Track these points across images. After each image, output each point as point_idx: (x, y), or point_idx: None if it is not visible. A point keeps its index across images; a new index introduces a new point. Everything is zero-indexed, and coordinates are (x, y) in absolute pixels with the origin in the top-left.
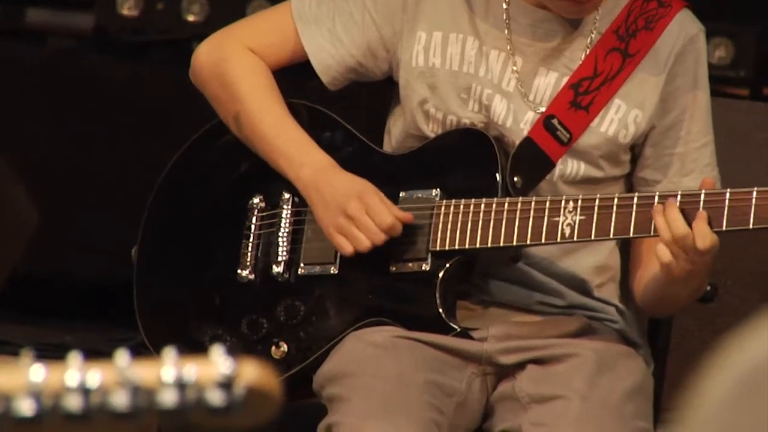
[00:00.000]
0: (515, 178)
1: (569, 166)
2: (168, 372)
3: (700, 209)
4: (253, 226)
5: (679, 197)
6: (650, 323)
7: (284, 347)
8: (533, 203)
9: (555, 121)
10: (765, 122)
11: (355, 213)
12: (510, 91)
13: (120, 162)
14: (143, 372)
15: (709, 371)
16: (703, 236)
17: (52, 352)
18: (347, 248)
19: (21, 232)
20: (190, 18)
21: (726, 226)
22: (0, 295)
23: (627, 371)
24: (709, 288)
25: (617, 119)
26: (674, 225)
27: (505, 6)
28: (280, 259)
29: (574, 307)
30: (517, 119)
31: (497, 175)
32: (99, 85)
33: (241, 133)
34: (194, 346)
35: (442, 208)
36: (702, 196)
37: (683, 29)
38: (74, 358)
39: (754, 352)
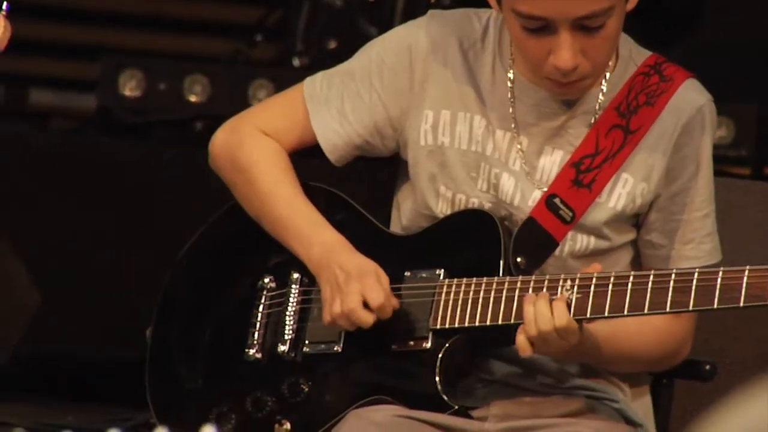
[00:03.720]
0: (518, 259)
1: (578, 242)
2: None
3: (670, 286)
4: (262, 306)
5: (673, 275)
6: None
7: (287, 425)
8: (532, 281)
9: (557, 200)
10: (765, 201)
11: (346, 287)
12: (516, 170)
13: (122, 242)
14: None
15: None
16: (560, 316)
17: None
18: (326, 313)
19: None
20: (192, 98)
21: (717, 305)
22: (2, 375)
23: None
24: (708, 367)
25: (625, 193)
26: (542, 318)
27: (509, 85)
28: (286, 337)
29: (574, 388)
30: (525, 197)
31: (500, 255)
32: (101, 165)
33: (256, 214)
34: (201, 424)
35: (444, 287)
36: (695, 275)
37: (689, 100)
38: None
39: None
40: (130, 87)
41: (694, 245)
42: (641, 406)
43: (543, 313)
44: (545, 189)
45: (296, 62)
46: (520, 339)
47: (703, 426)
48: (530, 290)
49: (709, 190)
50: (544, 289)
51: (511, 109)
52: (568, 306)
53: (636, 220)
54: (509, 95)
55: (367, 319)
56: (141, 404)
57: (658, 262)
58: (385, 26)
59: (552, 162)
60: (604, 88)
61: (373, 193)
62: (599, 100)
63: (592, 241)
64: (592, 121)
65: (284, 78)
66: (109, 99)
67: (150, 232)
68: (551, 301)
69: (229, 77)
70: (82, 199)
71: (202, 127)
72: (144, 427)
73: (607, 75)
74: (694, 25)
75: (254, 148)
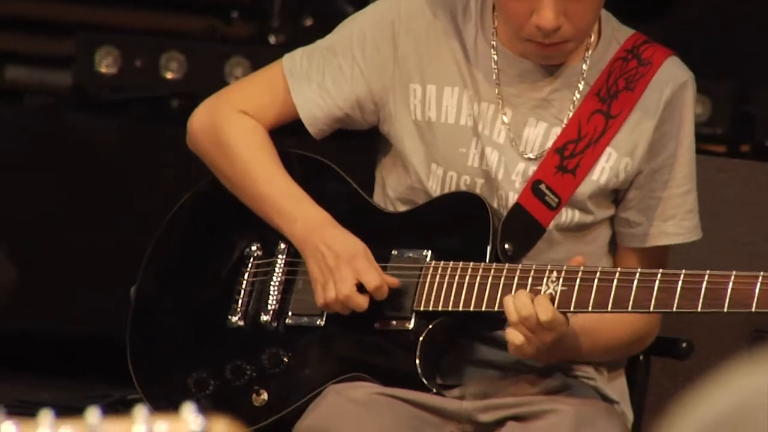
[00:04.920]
0: (506, 245)
1: (564, 216)
2: (139, 430)
3: (656, 288)
4: (247, 274)
5: (659, 276)
6: (628, 381)
7: (265, 395)
8: (518, 270)
9: (543, 186)
10: (741, 179)
11: (340, 272)
12: (501, 143)
13: (98, 219)
14: (114, 430)
15: (675, 420)
16: (545, 310)
17: (26, 410)
18: (319, 297)
19: None
20: (169, 75)
21: (701, 308)
22: None
23: (607, 427)
24: (684, 345)
25: (608, 167)
26: (520, 306)
27: (493, 56)
28: (269, 307)
29: (551, 366)
30: (508, 171)
31: (488, 240)
32: (77, 143)
33: (237, 192)
34: (179, 388)
35: (430, 269)
36: (681, 276)
37: (672, 76)
38: (46, 416)
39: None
40: (105, 64)
41: (676, 222)
42: (617, 388)
43: (523, 301)
44: (530, 156)
45: (272, 39)
46: (510, 337)
47: (681, 410)
48: (516, 279)
49: (691, 167)
50: (530, 279)
51: (495, 81)
52: (552, 299)
53: (615, 196)
54: (493, 66)
55: (363, 303)
56: (118, 381)
57: (633, 241)
58: (361, 4)
59: (536, 133)
60: (587, 63)
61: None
62: (583, 75)
63: (576, 215)
64: (576, 95)
65: (261, 55)
66: (84, 76)
67: (126, 209)
68: (533, 296)
69: (205, 54)
70: (58, 177)
71: (178, 104)
72: (122, 404)
73: (590, 51)
74: (670, 2)
75: (232, 127)
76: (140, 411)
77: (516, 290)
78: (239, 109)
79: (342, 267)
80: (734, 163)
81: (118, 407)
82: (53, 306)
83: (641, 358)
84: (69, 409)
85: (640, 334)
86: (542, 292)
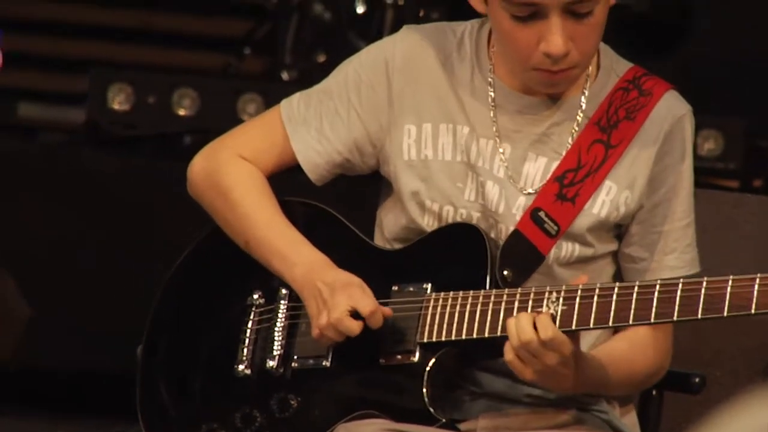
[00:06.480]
0: (505, 272)
1: (564, 250)
2: None
3: (654, 297)
4: (251, 322)
5: (657, 286)
6: (640, 415)
7: None
8: (518, 294)
9: (542, 214)
10: (754, 214)
11: (331, 299)
12: (501, 177)
13: (111, 256)
14: None
15: None
16: (545, 328)
17: None
18: (313, 324)
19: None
20: (181, 112)
21: (701, 315)
22: None
23: None
24: (697, 380)
25: (608, 201)
26: (521, 330)
27: (490, 93)
28: (275, 353)
29: (562, 399)
30: (509, 205)
31: (487, 268)
32: (90, 179)
33: (237, 238)
34: None
35: (431, 301)
36: (680, 285)
37: (671, 110)
38: None
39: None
40: (118, 101)
41: (677, 255)
42: (629, 422)
43: (523, 325)
44: (530, 192)
45: (285, 76)
46: (509, 357)
47: None
48: (516, 302)
49: (690, 200)
50: (530, 302)
51: (492, 117)
52: (553, 318)
53: (618, 231)
54: (490, 102)
55: (355, 327)
56: (133, 416)
57: (637, 276)
58: (373, 39)
59: (536, 168)
60: (585, 96)
61: (357, 210)
62: (582, 108)
63: (577, 249)
64: (575, 128)
65: (273, 91)
66: (97, 113)
67: (139, 246)
68: (535, 315)
69: (218, 91)
70: (70, 213)
71: (191, 140)
72: None
73: (588, 83)
74: (683, 38)
75: (231, 173)
76: None
77: (520, 312)
78: (238, 154)
79: (336, 295)
80: (747, 198)
81: None
82: (67, 342)
83: (654, 392)
84: None
85: (655, 368)
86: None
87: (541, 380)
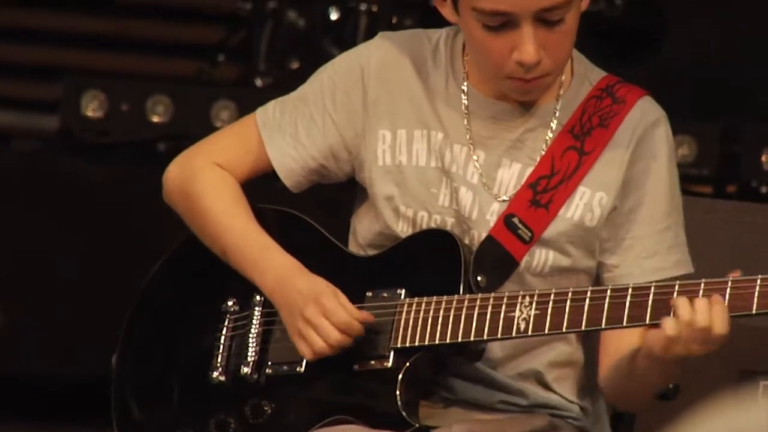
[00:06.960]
0: (479, 277)
1: (536, 257)
2: None
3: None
4: (225, 329)
5: (630, 290)
6: (613, 421)
7: None
8: (491, 299)
9: (516, 220)
10: (728, 220)
11: (312, 316)
12: (474, 183)
13: (85, 263)
14: None
15: None
16: (723, 323)
17: None
18: (307, 352)
19: None
20: (155, 119)
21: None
22: None
23: None
24: (671, 386)
25: (582, 204)
26: (699, 316)
27: (464, 100)
28: (249, 359)
29: (536, 406)
30: (482, 211)
31: (460, 273)
32: (64, 187)
33: (211, 245)
34: None
35: (405, 306)
36: (676, 287)
37: (644, 115)
38: None
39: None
40: (92, 108)
41: (661, 257)
42: (602, 429)
43: (703, 311)
44: (504, 198)
45: (259, 82)
46: (671, 333)
47: None
48: (489, 307)
49: (672, 204)
50: (503, 306)
51: (466, 124)
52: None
53: (597, 241)
54: (464, 110)
55: (349, 339)
56: (108, 424)
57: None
58: (347, 46)
59: (510, 174)
60: (559, 103)
61: (333, 218)
62: (555, 115)
63: (550, 257)
64: (549, 135)
65: (247, 98)
66: (71, 120)
67: (113, 252)
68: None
69: (191, 97)
70: (44, 221)
71: (165, 147)
72: None
73: (562, 90)
74: (656, 44)
75: (205, 180)
76: None
77: (490, 318)
78: (212, 161)
79: (315, 316)
80: (721, 204)
81: None
82: (43, 350)
83: None
84: None
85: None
86: (515, 317)
87: (671, 355)
